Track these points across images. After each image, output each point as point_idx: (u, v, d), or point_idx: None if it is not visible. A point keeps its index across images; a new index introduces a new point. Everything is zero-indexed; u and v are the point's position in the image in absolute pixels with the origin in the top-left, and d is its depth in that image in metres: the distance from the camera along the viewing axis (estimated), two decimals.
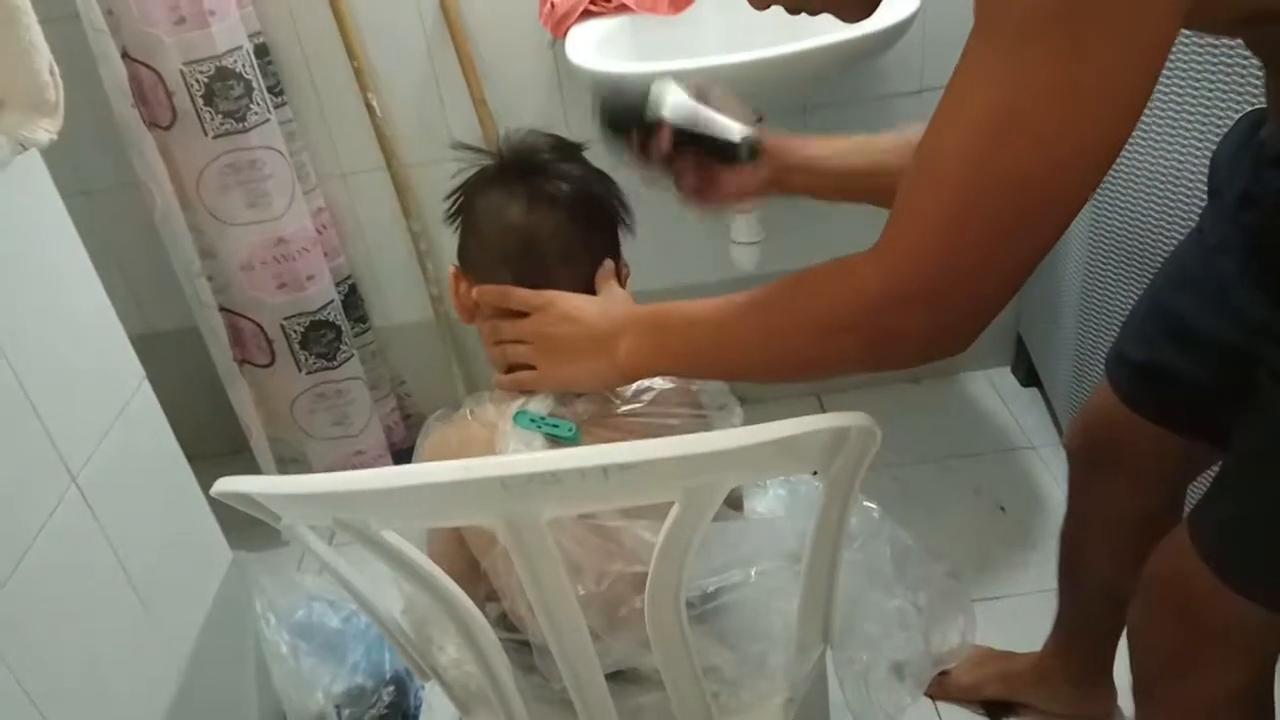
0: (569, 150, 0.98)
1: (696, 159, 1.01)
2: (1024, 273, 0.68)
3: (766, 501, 1.05)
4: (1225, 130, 0.97)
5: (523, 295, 0.91)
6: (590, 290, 0.96)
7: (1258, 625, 0.89)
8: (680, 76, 1.02)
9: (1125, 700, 1.36)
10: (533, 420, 0.88)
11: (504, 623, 0.91)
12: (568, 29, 1.61)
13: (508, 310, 0.93)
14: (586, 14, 1.62)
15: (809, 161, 1.04)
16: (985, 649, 1.44)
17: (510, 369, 0.94)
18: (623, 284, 1.00)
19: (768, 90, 1.55)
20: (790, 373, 0.73)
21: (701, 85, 1.03)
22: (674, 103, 0.99)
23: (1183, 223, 1.30)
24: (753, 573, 0.88)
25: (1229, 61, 1.17)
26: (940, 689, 1.44)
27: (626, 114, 1.01)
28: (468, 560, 0.91)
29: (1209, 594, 0.89)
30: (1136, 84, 0.62)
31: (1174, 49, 0.63)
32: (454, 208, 0.98)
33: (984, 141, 0.63)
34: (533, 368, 0.92)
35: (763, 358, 0.80)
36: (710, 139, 1.00)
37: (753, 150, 1.00)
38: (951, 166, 0.65)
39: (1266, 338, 0.85)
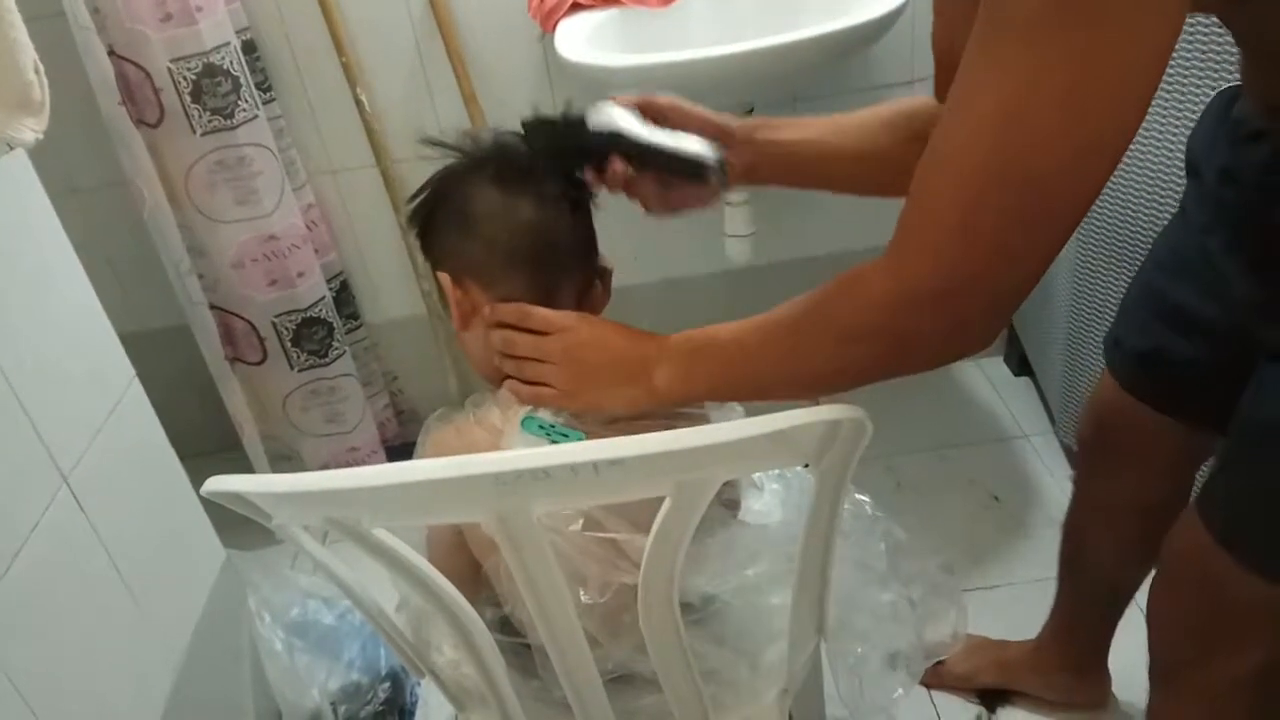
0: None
1: (659, 179, 0.96)
2: (1040, 269, 0.68)
3: (763, 499, 1.04)
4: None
5: (545, 315, 0.89)
6: (587, 287, 0.96)
7: (1274, 603, 0.89)
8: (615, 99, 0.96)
9: (1119, 689, 1.37)
10: (541, 427, 0.88)
11: (506, 627, 0.91)
12: (557, 22, 1.61)
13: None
14: (575, 7, 1.62)
15: (786, 150, 0.98)
16: (980, 637, 1.44)
17: (507, 377, 0.92)
18: (606, 280, 0.99)
19: (757, 82, 1.55)
20: (821, 387, 0.72)
21: (645, 103, 0.96)
22: (626, 127, 0.93)
23: (1173, 207, 1.30)
24: (750, 573, 0.88)
25: (1219, 42, 1.17)
26: (935, 678, 1.44)
27: (568, 145, 0.94)
28: (470, 564, 0.91)
29: (1224, 572, 0.89)
30: (1147, 76, 0.61)
31: None
32: (429, 211, 0.95)
33: (996, 140, 0.63)
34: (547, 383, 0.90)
35: (791, 375, 0.80)
36: (676, 160, 0.93)
37: (723, 169, 0.93)
38: (963, 166, 0.65)
39: (1258, 315, 0.86)
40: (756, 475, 1.01)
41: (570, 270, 0.94)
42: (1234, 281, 0.88)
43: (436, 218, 0.95)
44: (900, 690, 0.97)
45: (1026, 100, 0.61)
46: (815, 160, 0.99)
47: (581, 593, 0.82)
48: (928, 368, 0.75)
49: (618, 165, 0.94)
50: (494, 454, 0.82)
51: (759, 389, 0.84)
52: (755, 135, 0.98)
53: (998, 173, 0.63)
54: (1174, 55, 1.21)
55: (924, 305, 0.69)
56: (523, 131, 0.95)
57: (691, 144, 0.93)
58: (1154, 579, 1.03)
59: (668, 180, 0.96)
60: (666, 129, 0.95)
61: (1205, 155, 0.92)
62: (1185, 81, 1.23)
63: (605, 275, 1.00)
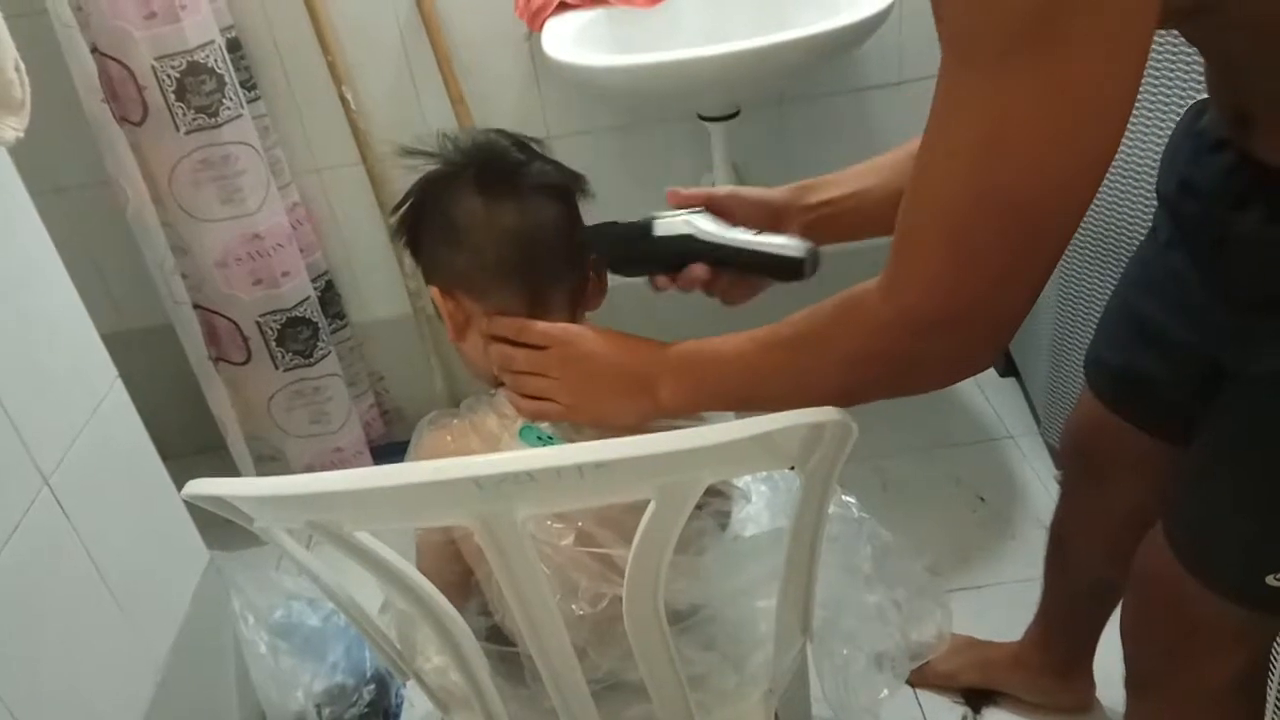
0: (530, 147, 0.94)
1: (733, 276, 0.94)
2: (1037, 288, 0.68)
3: (752, 506, 1.04)
4: None
5: (542, 329, 0.88)
6: (581, 290, 0.94)
7: (1238, 620, 0.89)
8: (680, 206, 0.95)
9: (1103, 692, 1.37)
10: (539, 438, 0.88)
11: (497, 636, 0.91)
12: (544, 21, 1.61)
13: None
14: (563, 6, 1.61)
15: (842, 207, 0.96)
16: (965, 637, 1.44)
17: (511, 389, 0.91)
18: (602, 273, 0.97)
19: (745, 83, 1.55)
20: (825, 405, 0.73)
21: (706, 198, 0.95)
22: (700, 231, 0.92)
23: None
24: (739, 580, 0.88)
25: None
26: (919, 676, 1.44)
27: (639, 253, 0.94)
28: (460, 571, 0.90)
29: (1191, 594, 0.89)
30: (1120, 93, 0.61)
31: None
32: (413, 222, 0.93)
33: (976, 170, 0.62)
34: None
35: (794, 394, 0.79)
36: (768, 261, 0.91)
37: (816, 260, 0.90)
38: (947, 196, 0.65)
39: (1219, 333, 0.85)
40: (746, 486, 1.01)
41: (561, 274, 0.92)
42: (1196, 299, 0.87)
43: (420, 229, 0.94)
44: (885, 691, 0.97)
45: (999, 128, 0.61)
46: (872, 209, 0.96)
47: (573, 604, 0.82)
48: (935, 388, 0.75)
49: (697, 269, 0.92)
50: (477, 457, 0.81)
51: (764, 403, 0.82)
52: (806, 199, 0.97)
53: (979, 203, 0.63)
54: (1165, 65, 1.21)
55: (925, 332, 0.69)
56: (586, 238, 0.94)
57: (777, 241, 0.91)
58: (1125, 597, 1.03)
59: (744, 276, 0.94)
60: (742, 228, 0.93)
61: (1169, 169, 0.91)
62: (1174, 89, 1.23)
63: (600, 267, 0.97)
